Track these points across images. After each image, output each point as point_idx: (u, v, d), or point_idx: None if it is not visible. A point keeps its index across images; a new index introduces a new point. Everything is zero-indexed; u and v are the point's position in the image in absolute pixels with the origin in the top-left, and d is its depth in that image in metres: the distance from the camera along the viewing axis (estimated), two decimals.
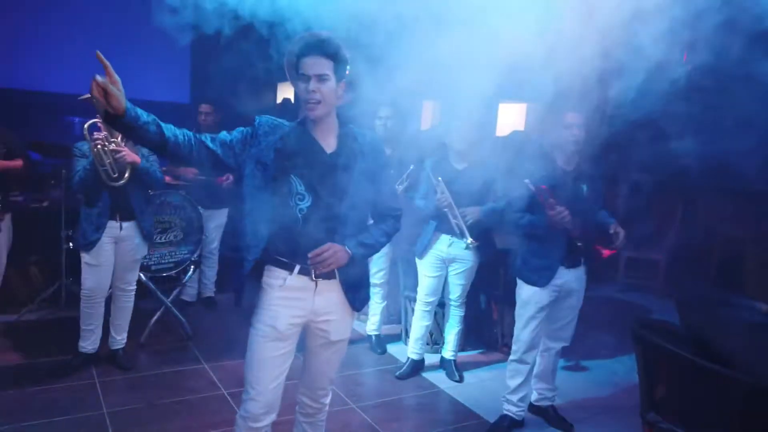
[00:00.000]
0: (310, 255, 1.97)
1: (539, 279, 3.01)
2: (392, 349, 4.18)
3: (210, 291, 4.78)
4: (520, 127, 7.77)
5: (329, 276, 2.06)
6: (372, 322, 4.18)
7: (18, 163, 3.79)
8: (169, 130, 1.86)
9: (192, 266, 4.20)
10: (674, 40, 3.02)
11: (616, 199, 5.74)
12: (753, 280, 5.22)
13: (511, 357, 3.15)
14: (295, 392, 2.29)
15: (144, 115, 1.79)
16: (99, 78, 1.66)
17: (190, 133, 1.92)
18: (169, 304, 4.01)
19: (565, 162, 3.01)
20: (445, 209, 3.41)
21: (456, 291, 3.67)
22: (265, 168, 1.98)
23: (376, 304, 4.15)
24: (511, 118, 7.86)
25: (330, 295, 2.08)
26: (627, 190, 5.76)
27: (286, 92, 7.28)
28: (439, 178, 3.40)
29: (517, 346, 3.11)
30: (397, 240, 4.06)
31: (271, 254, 2.02)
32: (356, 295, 2.13)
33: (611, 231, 2.99)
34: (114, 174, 3.24)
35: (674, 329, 2.63)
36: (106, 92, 1.67)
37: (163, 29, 4.29)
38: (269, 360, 2.05)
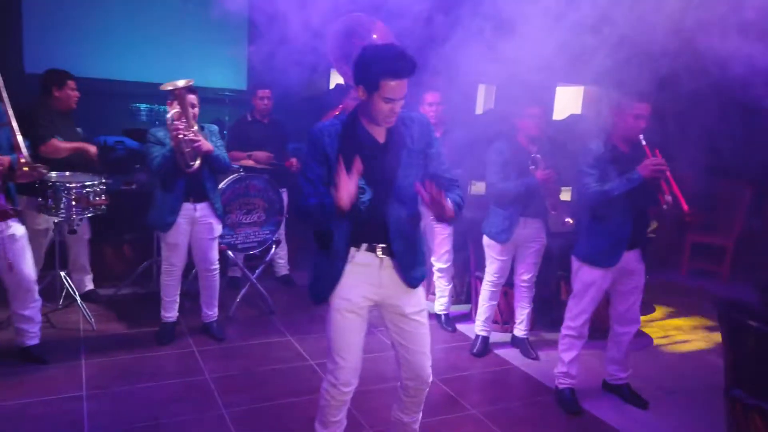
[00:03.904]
0: (432, 195, 2.04)
1: (605, 260, 3.07)
2: (462, 327, 4.34)
3: (285, 269, 5.03)
4: (577, 110, 7.75)
5: (390, 253, 2.20)
6: (440, 303, 4.35)
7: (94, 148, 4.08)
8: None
9: (274, 245, 4.45)
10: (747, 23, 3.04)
11: (683, 182, 5.69)
12: None
13: (567, 332, 3.24)
14: (398, 381, 2.42)
15: None
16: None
17: (311, 202, 2.09)
18: (254, 281, 4.27)
19: (625, 147, 3.07)
20: (549, 185, 3.44)
21: (529, 271, 3.78)
22: (330, 169, 2.11)
23: (443, 286, 4.31)
24: (568, 101, 7.84)
25: (393, 270, 2.22)
26: (695, 174, 5.71)
27: (339, 77, 7.43)
28: (538, 155, 3.46)
29: (575, 323, 3.21)
30: (467, 222, 4.23)
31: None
32: (410, 273, 2.23)
33: None
34: (191, 161, 3.47)
35: (757, 309, 2.70)
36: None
37: (221, 17, 4.50)
38: (349, 330, 2.21)
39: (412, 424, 2.47)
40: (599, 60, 3.42)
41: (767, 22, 2.98)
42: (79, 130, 4.12)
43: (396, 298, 2.24)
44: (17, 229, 3.12)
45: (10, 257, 3.08)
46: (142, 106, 6.72)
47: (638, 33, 3.43)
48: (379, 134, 2.17)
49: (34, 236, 3.62)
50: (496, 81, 6.99)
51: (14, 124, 2.94)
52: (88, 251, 4.28)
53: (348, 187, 1.97)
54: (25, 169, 2.91)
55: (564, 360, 3.27)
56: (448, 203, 2.08)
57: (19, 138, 2.93)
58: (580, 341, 3.24)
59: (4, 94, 2.95)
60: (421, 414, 2.48)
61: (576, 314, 3.21)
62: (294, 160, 4.66)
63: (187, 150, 3.43)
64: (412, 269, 2.24)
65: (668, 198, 2.87)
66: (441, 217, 2.09)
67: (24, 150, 2.92)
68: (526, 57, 3.24)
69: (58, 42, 5.87)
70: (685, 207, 2.84)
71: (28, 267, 3.20)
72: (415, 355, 2.29)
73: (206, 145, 3.46)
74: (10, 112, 2.95)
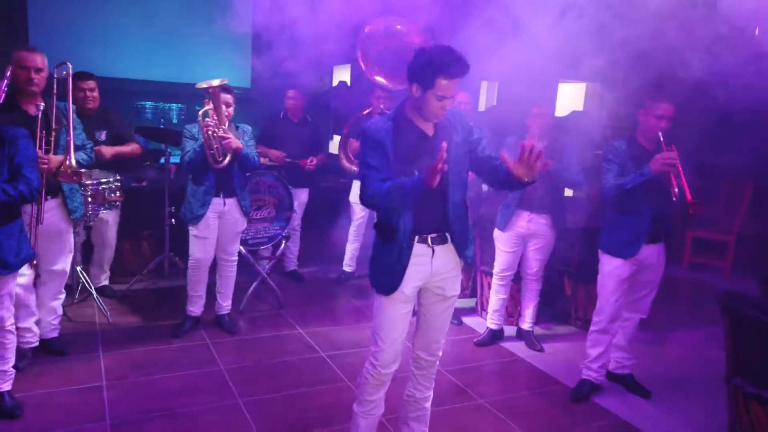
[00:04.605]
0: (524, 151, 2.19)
1: (624, 251, 3.19)
2: (468, 321, 4.43)
3: (294, 265, 5.13)
4: (579, 107, 7.82)
5: (443, 241, 2.34)
6: None
7: (130, 147, 4.18)
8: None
9: (283, 241, 4.54)
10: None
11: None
12: None
13: (593, 328, 3.34)
14: (411, 350, 2.54)
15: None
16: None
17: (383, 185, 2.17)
18: (266, 276, 4.36)
19: (650, 145, 3.17)
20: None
21: (534, 266, 3.88)
22: (389, 161, 2.24)
23: None
24: (569, 98, 7.91)
25: (445, 257, 2.36)
26: (697, 170, 5.78)
27: (341, 75, 7.50)
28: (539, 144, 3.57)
29: (600, 318, 3.30)
30: (473, 217, 4.31)
31: None
32: (466, 252, 2.41)
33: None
34: (219, 158, 3.57)
35: (758, 301, 2.78)
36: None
37: (224, 15, 4.57)
38: (397, 318, 2.34)
39: (424, 401, 2.56)
40: (601, 57, 3.50)
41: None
42: (101, 134, 4.12)
43: (443, 282, 2.38)
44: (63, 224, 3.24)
45: (56, 249, 3.23)
46: (147, 104, 6.83)
47: (639, 30, 3.51)
48: (428, 128, 2.31)
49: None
50: (498, 78, 7.07)
51: (70, 126, 3.06)
52: (110, 254, 4.34)
53: (440, 167, 2.04)
54: (69, 172, 3.02)
55: (591, 355, 3.35)
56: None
57: (72, 142, 3.03)
58: (605, 337, 3.31)
59: (70, 95, 3.12)
60: (432, 392, 2.56)
61: (598, 309, 3.31)
62: (310, 159, 4.74)
63: (216, 146, 3.53)
64: (466, 248, 2.41)
65: (675, 190, 2.98)
66: (532, 174, 2.20)
67: (72, 153, 3.02)
68: (528, 54, 3.33)
69: (64, 41, 5.92)
70: (689, 196, 2.95)
71: (67, 260, 3.33)
72: (433, 329, 2.46)
73: (235, 142, 3.56)
74: (71, 113, 3.08)
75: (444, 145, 2.07)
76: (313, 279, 5.16)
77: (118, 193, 3.89)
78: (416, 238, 2.31)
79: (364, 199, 2.25)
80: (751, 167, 5.63)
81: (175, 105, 6.96)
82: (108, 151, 4.01)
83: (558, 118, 6.60)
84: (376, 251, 2.38)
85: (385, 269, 2.32)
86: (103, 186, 3.79)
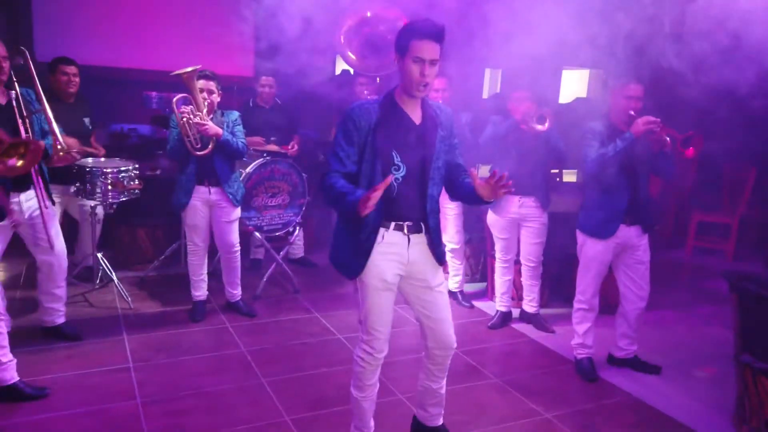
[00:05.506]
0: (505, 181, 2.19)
1: (601, 231, 3.27)
2: (479, 304, 4.53)
3: (301, 251, 5.21)
4: (583, 94, 7.88)
5: (418, 230, 2.36)
6: (455, 281, 4.52)
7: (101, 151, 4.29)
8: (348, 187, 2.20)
9: (297, 227, 4.62)
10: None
11: (690, 163, 5.85)
12: None
13: (578, 306, 3.45)
14: (422, 349, 2.53)
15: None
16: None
17: (343, 178, 2.22)
18: (281, 261, 4.45)
19: (624, 126, 3.21)
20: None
21: (532, 251, 3.95)
22: (364, 149, 2.25)
23: (456, 265, 4.48)
24: (573, 85, 7.96)
25: (421, 247, 2.37)
26: (700, 154, 5.85)
27: (344, 64, 7.52)
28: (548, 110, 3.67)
29: (584, 296, 3.42)
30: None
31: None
32: (438, 249, 2.40)
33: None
34: (197, 144, 3.59)
35: (765, 279, 2.88)
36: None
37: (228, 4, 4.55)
38: (384, 306, 2.36)
39: (440, 390, 2.60)
40: (603, 43, 3.56)
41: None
42: (86, 120, 4.19)
43: (423, 272, 2.39)
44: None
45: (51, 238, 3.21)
46: (153, 93, 6.85)
47: (640, 17, 3.57)
48: (415, 115, 2.32)
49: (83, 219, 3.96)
50: (501, 65, 7.11)
51: (48, 109, 3.04)
52: (98, 230, 4.29)
53: (375, 201, 2.07)
54: (61, 153, 3.03)
55: (579, 332, 3.46)
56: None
57: (54, 124, 3.03)
58: (592, 313, 3.43)
59: (37, 81, 3.08)
60: (446, 379, 2.61)
61: (584, 288, 3.41)
62: (291, 145, 4.75)
63: (192, 133, 3.56)
64: (439, 246, 2.42)
65: (668, 140, 3.06)
66: (490, 199, 2.24)
67: (59, 135, 3.02)
68: (531, 41, 3.38)
69: (69, 30, 5.95)
70: (680, 136, 3.04)
71: (63, 247, 3.32)
72: (438, 323, 2.43)
73: (213, 129, 3.55)
74: (43, 98, 3.06)
75: (389, 179, 2.11)
76: (322, 265, 5.24)
77: (136, 181, 3.97)
78: (392, 224, 2.31)
79: (321, 185, 2.25)
80: (754, 151, 5.72)
81: (180, 94, 6.98)
82: (102, 152, 4.20)
83: (562, 104, 6.68)
84: (339, 232, 2.38)
85: (349, 250, 2.31)
86: (123, 174, 3.87)
